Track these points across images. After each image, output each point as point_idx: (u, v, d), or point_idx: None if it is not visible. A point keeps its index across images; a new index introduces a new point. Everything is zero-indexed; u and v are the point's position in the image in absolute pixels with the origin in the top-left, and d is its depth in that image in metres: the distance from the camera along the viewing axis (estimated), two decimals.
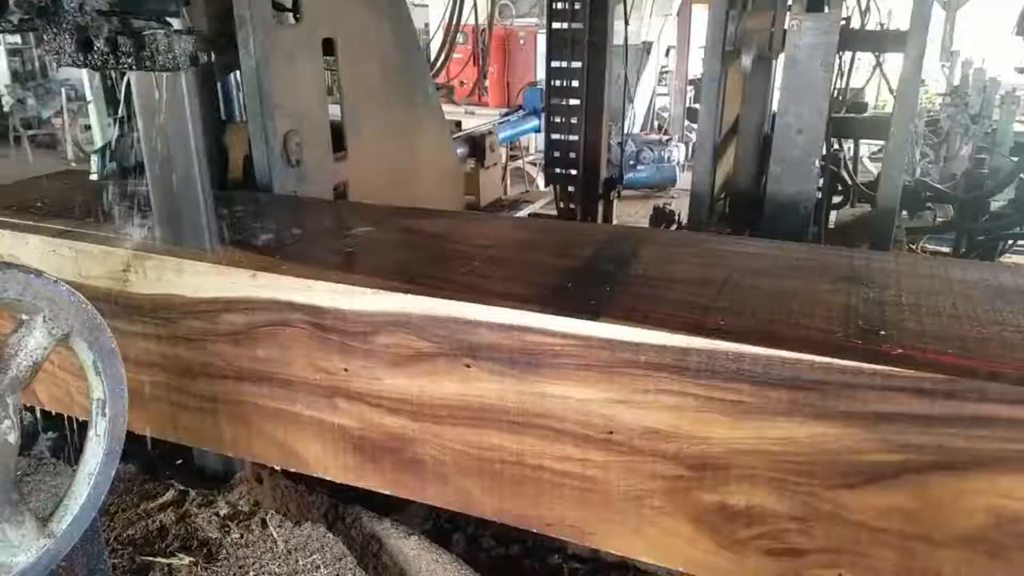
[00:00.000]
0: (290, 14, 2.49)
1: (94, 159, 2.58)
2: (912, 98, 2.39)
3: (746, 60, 2.44)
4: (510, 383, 1.35)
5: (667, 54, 12.08)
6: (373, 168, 2.90)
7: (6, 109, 11.07)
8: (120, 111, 2.79)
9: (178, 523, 2.31)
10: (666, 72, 12.15)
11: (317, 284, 1.45)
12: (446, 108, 5.34)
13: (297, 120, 2.46)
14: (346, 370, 1.48)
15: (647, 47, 12.06)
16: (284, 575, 2.10)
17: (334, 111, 2.66)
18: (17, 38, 10.73)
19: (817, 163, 2.51)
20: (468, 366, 1.37)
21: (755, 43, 2.44)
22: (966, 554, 1.12)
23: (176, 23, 1.40)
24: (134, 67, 1.32)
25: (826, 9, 2.54)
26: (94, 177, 2.57)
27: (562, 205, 4.56)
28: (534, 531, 1.47)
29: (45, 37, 1.29)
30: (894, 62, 2.91)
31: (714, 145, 2.72)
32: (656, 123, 11.84)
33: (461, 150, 4.57)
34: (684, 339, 1.20)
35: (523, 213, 4.78)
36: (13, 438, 1.03)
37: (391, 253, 1.67)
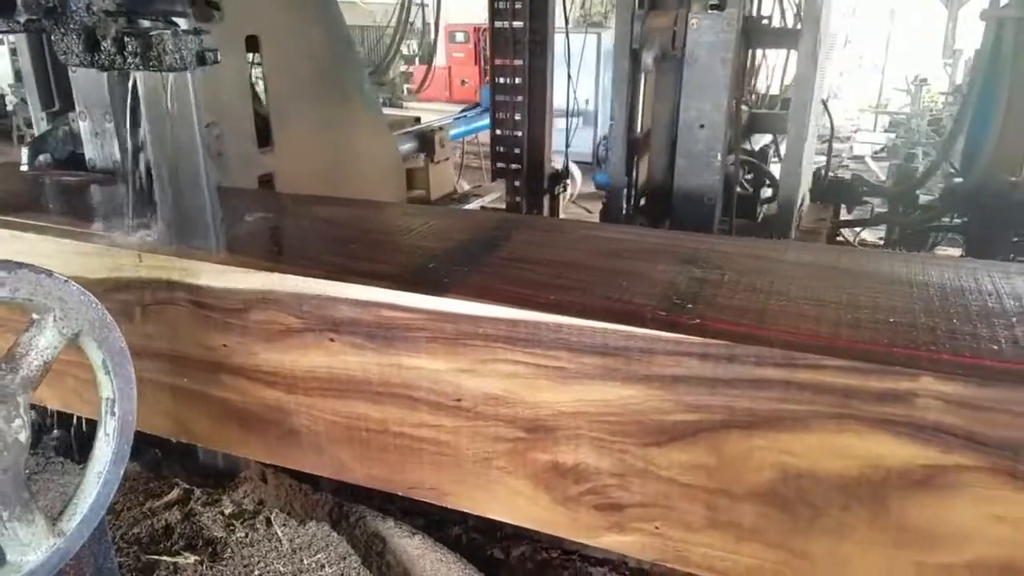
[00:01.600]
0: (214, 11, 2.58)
1: (23, 151, 2.65)
2: (807, 93, 2.52)
3: (647, 58, 2.56)
4: (370, 356, 1.46)
5: None
6: (303, 160, 3.00)
7: (9, 108, 11.08)
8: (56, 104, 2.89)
9: (183, 521, 2.34)
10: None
11: (194, 264, 1.55)
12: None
13: (218, 113, 2.55)
14: (225, 346, 1.58)
15: None
16: (289, 574, 2.13)
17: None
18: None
19: (720, 157, 2.63)
20: (332, 340, 1.47)
21: (657, 42, 2.56)
22: (761, 507, 1.24)
23: (183, 23, 1.40)
24: (141, 67, 1.32)
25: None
26: (24, 168, 2.65)
27: (509, 199, 4.68)
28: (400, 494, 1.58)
29: (53, 38, 1.30)
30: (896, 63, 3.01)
31: (627, 140, 2.84)
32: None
33: (409, 145, 4.67)
34: (513, 312, 1.31)
35: (472, 206, 4.88)
36: (24, 437, 1.04)
37: (277, 236, 1.77)
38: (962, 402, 1.05)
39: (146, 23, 1.34)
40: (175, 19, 1.39)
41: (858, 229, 4.66)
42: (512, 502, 1.45)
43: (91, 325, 1.11)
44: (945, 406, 1.06)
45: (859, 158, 11.80)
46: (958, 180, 3.80)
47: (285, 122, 2.90)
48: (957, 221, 4.05)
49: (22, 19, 1.27)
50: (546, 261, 1.56)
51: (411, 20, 5.37)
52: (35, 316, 1.06)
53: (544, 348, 1.30)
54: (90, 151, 2.61)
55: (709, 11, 2.49)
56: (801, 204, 3.43)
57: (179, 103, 1.47)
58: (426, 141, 4.73)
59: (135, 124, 1.65)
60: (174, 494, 2.48)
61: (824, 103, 3.55)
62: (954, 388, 1.05)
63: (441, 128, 4.83)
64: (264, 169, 2.82)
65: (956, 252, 4.47)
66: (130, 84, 1.53)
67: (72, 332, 1.09)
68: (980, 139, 3.46)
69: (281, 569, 2.13)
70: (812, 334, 1.18)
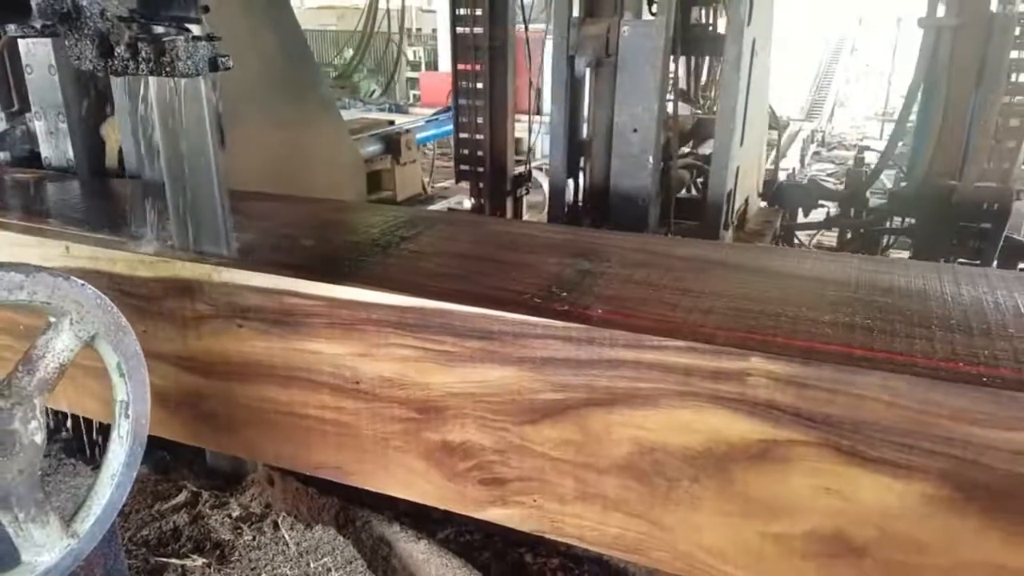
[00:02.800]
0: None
1: None
2: (732, 98, 2.62)
3: (579, 64, 2.66)
4: (275, 341, 1.54)
5: None
6: (254, 159, 3.08)
7: None
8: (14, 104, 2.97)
9: (191, 524, 2.36)
10: None
11: (117, 254, 1.64)
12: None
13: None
14: (145, 331, 1.66)
15: None
16: None
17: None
18: None
19: (652, 160, 2.73)
20: (240, 326, 1.56)
21: (591, 48, 2.66)
22: (623, 480, 1.33)
23: (195, 29, 1.41)
24: (154, 73, 1.32)
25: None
26: None
27: (473, 200, 4.77)
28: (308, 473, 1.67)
29: (67, 43, 1.30)
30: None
31: (565, 143, 2.94)
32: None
33: (375, 147, 4.77)
34: (402, 299, 1.40)
35: (438, 207, 4.98)
36: (40, 438, 1.04)
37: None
38: (788, 380, 1.14)
39: (159, 29, 1.34)
40: (188, 25, 1.40)
41: (812, 232, 4.76)
42: (408, 479, 1.54)
43: (106, 328, 1.12)
44: (774, 384, 1.15)
45: (866, 165, 11.87)
46: (904, 183, 3.91)
47: (235, 121, 2.98)
48: (909, 223, 4.15)
49: (37, 24, 1.29)
50: (450, 253, 1.66)
51: (377, 28, 5.45)
52: (52, 319, 1.07)
53: (431, 333, 1.39)
54: (45, 150, 2.71)
55: (639, 19, 2.59)
56: (745, 206, 3.54)
57: (191, 108, 1.48)
58: (392, 143, 4.82)
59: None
60: (182, 497, 2.50)
61: (771, 108, 3.64)
62: (780, 367, 1.14)
63: (408, 131, 4.92)
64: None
65: (907, 254, 4.57)
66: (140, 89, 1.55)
67: (88, 335, 1.09)
68: (921, 143, 3.57)
69: (288, 572, 2.15)
70: (662, 319, 1.27)
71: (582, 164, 3.22)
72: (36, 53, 2.53)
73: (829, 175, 10.87)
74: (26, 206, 2.04)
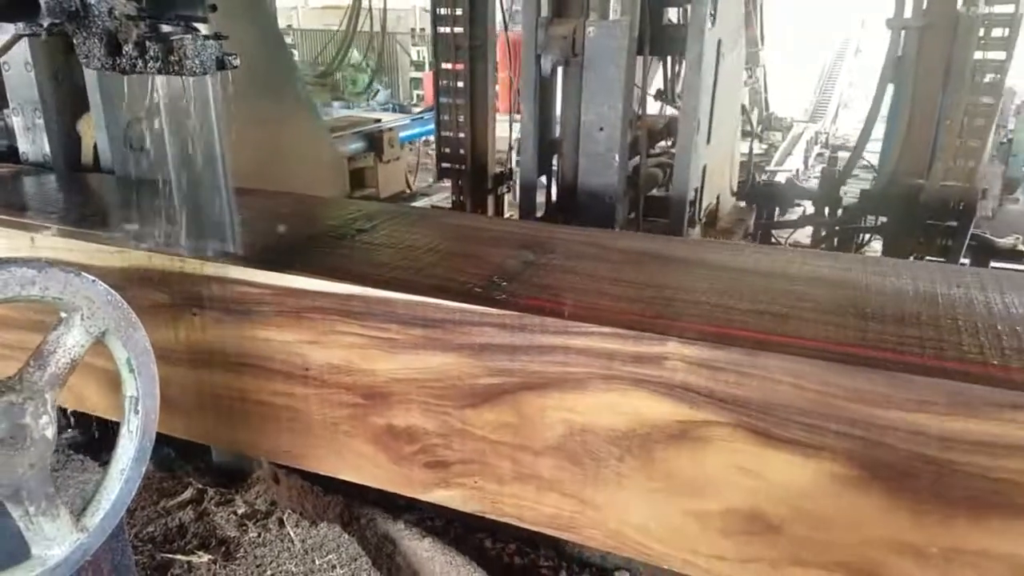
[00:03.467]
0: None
1: None
2: (694, 98, 2.67)
3: (545, 64, 2.72)
4: (228, 329, 1.60)
5: None
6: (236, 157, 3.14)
7: None
8: None
9: (197, 521, 2.36)
10: None
11: (78, 244, 1.69)
12: None
13: (142, 108, 2.69)
14: None
15: None
16: (300, 574, 2.14)
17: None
18: None
19: (618, 158, 2.78)
20: (195, 314, 1.62)
21: (558, 48, 2.72)
22: (556, 461, 1.39)
23: (203, 28, 1.41)
24: (162, 71, 1.33)
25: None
26: None
27: (454, 198, 4.83)
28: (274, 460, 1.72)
29: (75, 41, 1.31)
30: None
31: (535, 141, 2.99)
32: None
33: (357, 145, 4.82)
34: (347, 287, 1.46)
35: (421, 203, 5.03)
36: (51, 433, 1.05)
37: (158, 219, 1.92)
38: (701, 364, 1.20)
39: (167, 28, 1.35)
40: (195, 24, 1.40)
41: (789, 230, 4.83)
42: (357, 463, 1.59)
43: (117, 324, 1.13)
44: (689, 367, 1.21)
45: (871, 167, 11.82)
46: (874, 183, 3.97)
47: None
48: (881, 222, 4.21)
49: (45, 23, 1.29)
50: (402, 245, 1.71)
51: (359, 28, 5.50)
52: (63, 314, 1.07)
53: (376, 321, 1.45)
54: (23, 145, 2.76)
55: (604, 19, 2.65)
56: (716, 204, 3.60)
57: (199, 106, 1.48)
58: (375, 141, 4.87)
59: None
60: (188, 494, 2.51)
61: (744, 108, 3.69)
62: (694, 351, 1.20)
63: (391, 129, 4.97)
64: None
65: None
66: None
67: (99, 331, 1.10)
68: (890, 143, 3.64)
69: (293, 569, 2.15)
70: (591, 306, 1.33)
71: (556, 162, 3.28)
72: (13, 50, 2.58)
73: None
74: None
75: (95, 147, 2.72)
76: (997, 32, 3.28)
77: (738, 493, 1.25)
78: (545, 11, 2.85)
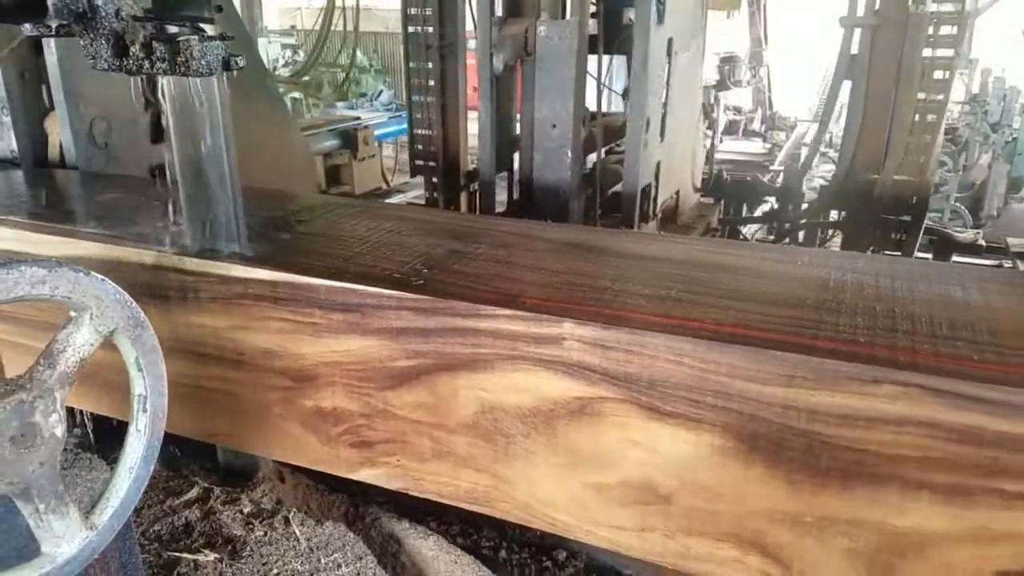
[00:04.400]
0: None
1: None
2: (641, 97, 2.75)
3: (497, 63, 2.79)
4: (166, 316, 1.67)
5: None
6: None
7: None
8: None
9: (203, 520, 2.38)
10: None
11: (26, 235, 1.76)
12: None
13: (105, 107, 2.76)
14: None
15: None
16: (306, 573, 2.16)
17: None
18: None
19: (570, 153, 2.86)
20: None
21: (510, 47, 2.79)
22: (470, 438, 1.46)
23: (210, 29, 1.42)
24: (168, 72, 1.34)
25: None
26: None
27: (427, 195, 4.90)
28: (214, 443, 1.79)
29: (82, 42, 1.32)
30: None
31: (492, 138, 3.07)
32: None
33: (332, 142, 4.89)
34: (273, 274, 1.53)
35: (395, 200, 5.10)
36: (60, 431, 1.06)
37: (106, 211, 1.98)
38: (594, 343, 1.27)
39: (173, 28, 1.35)
40: (202, 25, 1.41)
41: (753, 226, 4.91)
42: (290, 444, 1.66)
43: (125, 323, 1.14)
44: (584, 347, 1.28)
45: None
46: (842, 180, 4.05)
47: None
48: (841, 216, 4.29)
49: (53, 24, 1.30)
50: (334, 236, 1.78)
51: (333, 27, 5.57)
52: (72, 313, 1.08)
53: (301, 306, 1.52)
54: None
55: (555, 19, 2.72)
56: (676, 200, 3.68)
57: (206, 107, 1.49)
58: (350, 139, 4.94)
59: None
60: (194, 492, 2.54)
61: (704, 107, 3.77)
62: (588, 331, 1.27)
63: (366, 127, 5.04)
64: (157, 160, 3.03)
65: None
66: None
67: (107, 330, 1.11)
68: (848, 139, 3.71)
69: (299, 568, 2.16)
70: (502, 292, 1.40)
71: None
72: None
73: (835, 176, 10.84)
74: None
75: (60, 144, 2.79)
76: (945, 29, 3.36)
77: (632, 466, 1.32)
78: (500, 11, 2.92)
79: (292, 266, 1.53)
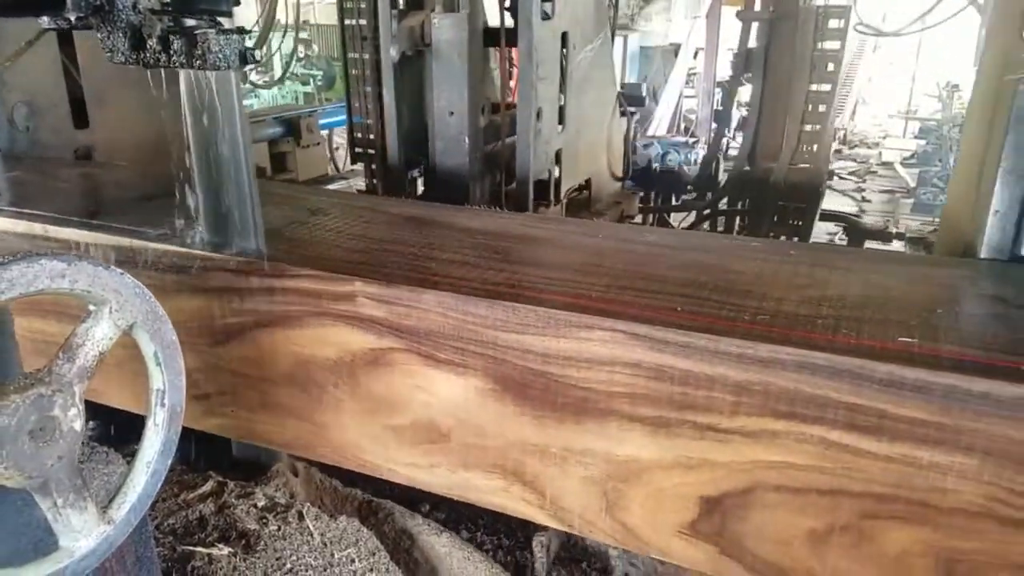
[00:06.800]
0: None
1: None
2: (528, 87, 2.91)
3: (393, 53, 2.96)
4: None
5: (695, 56, 12.05)
6: (126, 136, 3.35)
7: None
8: None
9: (217, 514, 2.36)
10: (694, 74, 12.15)
11: None
12: None
13: (28, 93, 2.92)
14: None
15: (675, 49, 11.96)
16: (320, 568, 2.15)
17: None
18: None
19: (467, 140, 3.02)
20: None
21: (406, 38, 2.95)
22: (290, 389, 1.62)
23: (226, 22, 1.41)
24: (185, 66, 1.33)
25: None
26: None
27: (368, 181, 5.06)
28: None
29: (100, 35, 1.32)
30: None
31: (396, 126, 3.23)
32: (683, 125, 11.71)
33: (274, 130, 5.04)
34: (117, 239, 1.69)
35: (335, 186, 5.27)
36: (79, 425, 1.06)
37: (41, 193, 2.14)
38: (380, 299, 1.44)
39: (191, 22, 1.35)
40: (218, 18, 1.40)
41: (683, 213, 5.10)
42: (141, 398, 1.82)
43: (144, 317, 1.14)
44: (372, 303, 1.45)
45: (888, 164, 11.84)
46: (746, 168, 4.23)
47: (103, 101, 3.26)
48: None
49: (72, 17, 1.30)
50: None
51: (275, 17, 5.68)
52: (92, 307, 1.08)
53: (145, 269, 1.68)
54: None
55: (448, 12, 2.88)
56: (588, 188, 3.84)
57: (222, 101, 1.48)
58: (293, 127, 5.09)
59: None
60: (208, 486, 2.53)
61: (620, 100, 3.94)
62: (374, 289, 1.44)
63: (309, 115, 5.19)
64: (80, 143, 3.18)
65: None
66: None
67: (127, 324, 1.11)
68: (750, 129, 3.90)
69: (312, 562, 2.16)
70: (316, 255, 1.57)
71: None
72: None
73: (851, 173, 10.90)
74: None
75: None
76: (833, 23, 3.54)
77: (419, 408, 1.49)
78: (403, 4, 3.08)
79: (139, 234, 1.69)
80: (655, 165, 4.79)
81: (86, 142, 3.20)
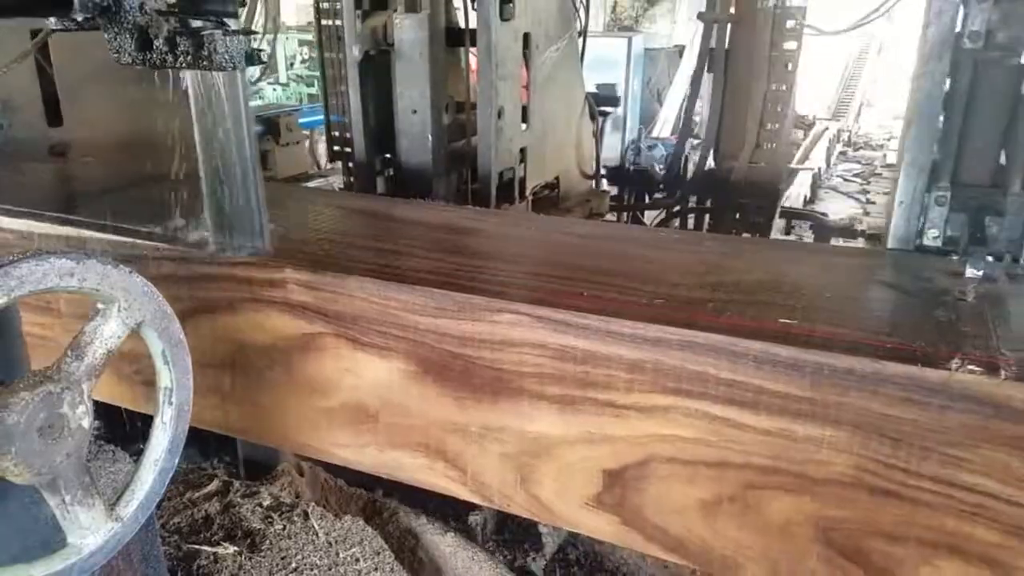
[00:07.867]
0: None
1: None
2: (487, 87, 2.99)
3: (356, 52, 3.04)
4: None
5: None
6: (101, 133, 3.42)
7: None
8: None
9: (223, 513, 2.41)
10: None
11: None
12: None
13: (2, 91, 3.00)
14: None
15: (680, 51, 12.04)
16: (325, 567, 2.17)
17: None
18: None
19: (431, 138, 3.10)
20: None
21: (369, 37, 3.03)
22: (231, 374, 1.69)
23: (232, 23, 1.41)
24: (192, 66, 1.34)
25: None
26: None
27: (345, 179, 5.14)
28: None
29: (106, 36, 1.33)
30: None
31: (363, 124, 3.31)
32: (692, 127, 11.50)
33: (255, 129, 5.11)
34: (66, 229, 1.76)
35: (312, 184, 5.34)
36: (87, 423, 1.07)
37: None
38: (308, 286, 1.52)
39: (197, 23, 1.35)
40: (225, 19, 1.40)
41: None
42: (107, 390, 1.89)
43: (152, 316, 1.16)
44: (302, 289, 1.53)
45: (892, 166, 11.75)
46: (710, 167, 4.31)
47: (77, 100, 3.33)
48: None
49: (79, 17, 1.31)
50: (154, 201, 2.02)
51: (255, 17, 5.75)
52: (100, 305, 1.09)
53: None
54: None
55: (409, 13, 2.96)
56: (556, 186, 3.92)
57: (229, 102, 1.48)
58: (272, 125, 5.16)
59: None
60: (214, 485, 2.57)
61: (589, 100, 4.02)
62: (302, 276, 1.52)
63: (289, 114, 5.26)
64: (55, 140, 3.26)
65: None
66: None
67: (135, 322, 1.13)
68: (712, 128, 3.98)
69: (317, 562, 2.18)
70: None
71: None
72: None
73: (855, 175, 10.95)
74: None
75: None
76: (790, 23, 3.62)
77: (348, 391, 1.57)
78: (367, 4, 3.15)
79: (86, 224, 1.77)
80: (628, 165, 4.85)
81: (60, 139, 3.27)
